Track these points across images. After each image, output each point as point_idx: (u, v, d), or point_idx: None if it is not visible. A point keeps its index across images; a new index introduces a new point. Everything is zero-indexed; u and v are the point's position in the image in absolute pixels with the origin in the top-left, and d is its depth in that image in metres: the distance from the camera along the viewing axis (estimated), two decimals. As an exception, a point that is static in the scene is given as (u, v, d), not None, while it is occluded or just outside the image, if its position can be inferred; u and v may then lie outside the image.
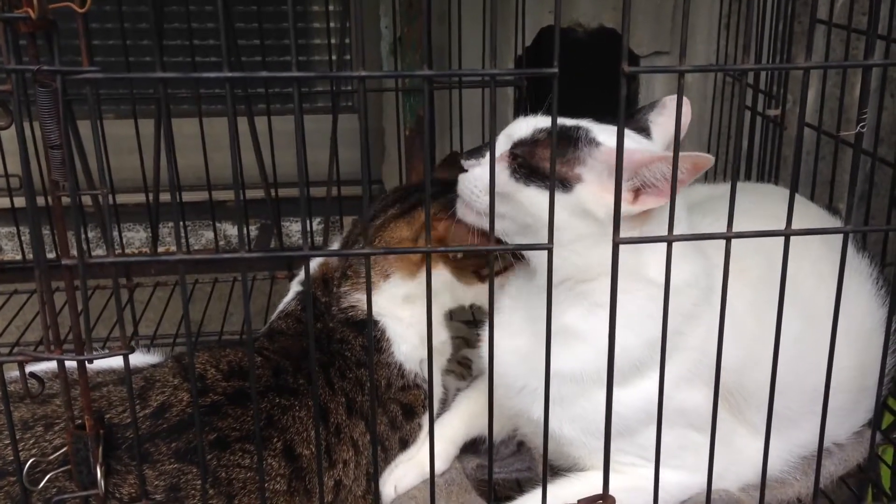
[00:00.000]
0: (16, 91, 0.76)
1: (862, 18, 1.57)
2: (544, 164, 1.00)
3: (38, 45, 0.77)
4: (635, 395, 1.04)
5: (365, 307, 1.16)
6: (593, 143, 1.01)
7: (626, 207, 0.97)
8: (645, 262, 1.02)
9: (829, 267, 1.16)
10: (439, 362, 1.26)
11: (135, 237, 1.94)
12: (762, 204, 1.27)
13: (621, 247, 0.86)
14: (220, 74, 0.80)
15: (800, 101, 0.86)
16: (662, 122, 1.11)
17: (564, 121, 1.05)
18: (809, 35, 0.83)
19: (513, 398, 1.11)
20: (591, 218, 1.00)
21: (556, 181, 0.96)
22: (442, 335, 1.25)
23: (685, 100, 1.08)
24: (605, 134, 1.03)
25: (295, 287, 1.30)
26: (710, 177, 1.85)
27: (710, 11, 1.90)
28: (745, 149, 1.71)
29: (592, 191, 1.00)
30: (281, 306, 1.28)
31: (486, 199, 1.01)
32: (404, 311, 1.20)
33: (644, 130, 1.11)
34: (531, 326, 1.08)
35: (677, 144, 0.86)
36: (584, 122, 1.06)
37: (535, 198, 1.00)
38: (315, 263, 1.23)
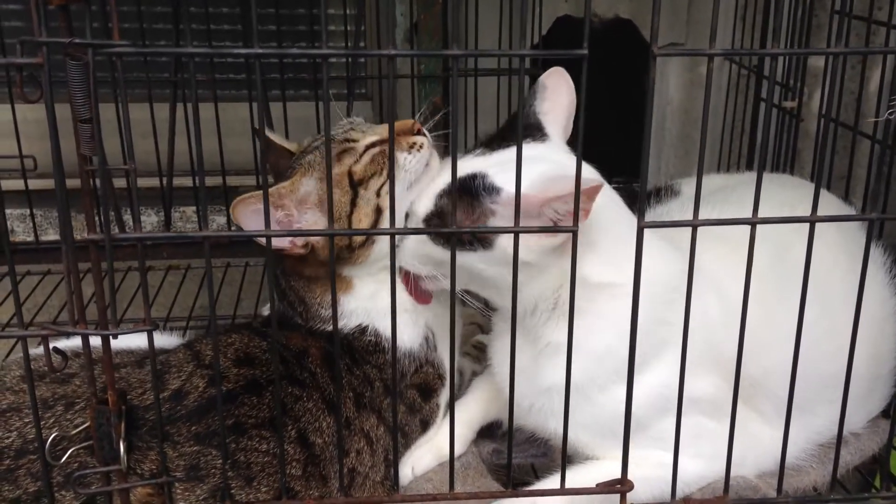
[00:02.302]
0: (46, 64, 0.76)
1: (877, 13, 1.57)
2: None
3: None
4: (639, 389, 1.02)
5: (353, 315, 1.15)
6: (493, 190, 0.97)
7: (549, 241, 0.96)
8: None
9: (843, 255, 1.17)
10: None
11: (146, 221, 1.94)
12: (777, 193, 1.27)
13: (579, 266, 0.88)
14: (251, 51, 0.79)
15: (829, 87, 0.85)
16: (548, 108, 1.08)
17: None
18: (840, 20, 0.82)
19: (525, 417, 1.12)
20: (521, 264, 0.94)
21: (476, 243, 0.98)
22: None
23: (567, 80, 1.07)
24: (501, 173, 0.99)
25: None
26: (723, 167, 1.86)
27: (726, 4, 1.90)
28: (759, 140, 1.71)
29: (511, 239, 0.96)
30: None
31: (422, 267, 1.07)
32: (384, 301, 1.12)
33: (538, 130, 1.08)
34: (529, 345, 1.09)
35: (579, 168, 0.83)
36: (477, 160, 1.04)
37: (465, 259, 0.99)
38: None
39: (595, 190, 0.89)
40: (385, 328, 1.14)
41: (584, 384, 1.04)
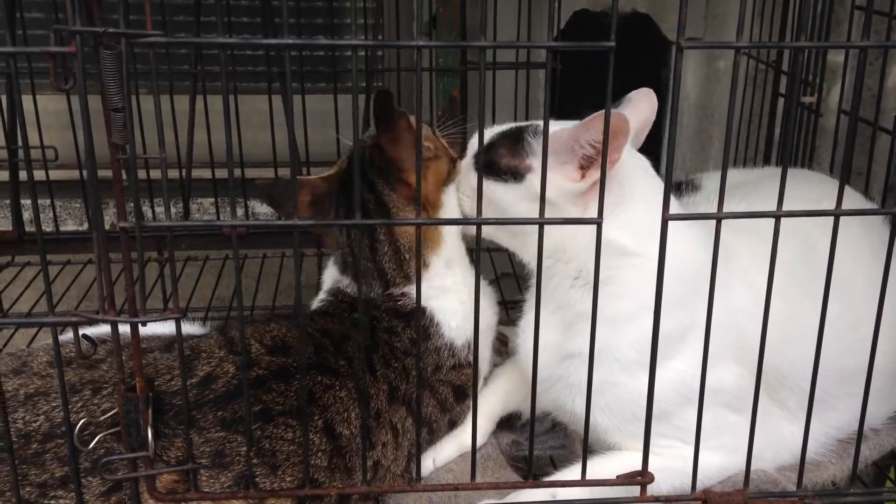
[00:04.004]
0: (80, 53, 0.76)
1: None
2: (498, 160, 1.09)
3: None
4: (664, 375, 1.03)
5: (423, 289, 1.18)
6: (539, 133, 1.06)
7: (574, 185, 1.03)
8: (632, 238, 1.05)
9: (866, 250, 1.17)
10: (489, 338, 1.25)
11: (163, 213, 1.95)
12: (800, 188, 1.27)
13: (605, 227, 0.89)
14: (281, 41, 0.80)
15: (854, 81, 0.85)
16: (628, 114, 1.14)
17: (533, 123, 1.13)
18: (867, 15, 0.82)
19: (549, 390, 1.12)
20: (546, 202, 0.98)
21: (509, 174, 1.08)
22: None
23: (649, 92, 1.15)
24: (552, 126, 1.05)
25: (332, 272, 1.28)
26: (739, 162, 1.86)
27: (744, -1, 1.89)
28: (777, 135, 1.71)
29: (538, 176, 0.99)
30: (326, 285, 1.28)
31: (470, 203, 1.16)
32: (447, 279, 1.21)
33: None
34: (556, 318, 1.09)
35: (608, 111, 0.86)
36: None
37: (493, 188, 1.08)
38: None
39: (619, 122, 0.94)
40: (440, 310, 1.20)
41: (608, 359, 1.05)
